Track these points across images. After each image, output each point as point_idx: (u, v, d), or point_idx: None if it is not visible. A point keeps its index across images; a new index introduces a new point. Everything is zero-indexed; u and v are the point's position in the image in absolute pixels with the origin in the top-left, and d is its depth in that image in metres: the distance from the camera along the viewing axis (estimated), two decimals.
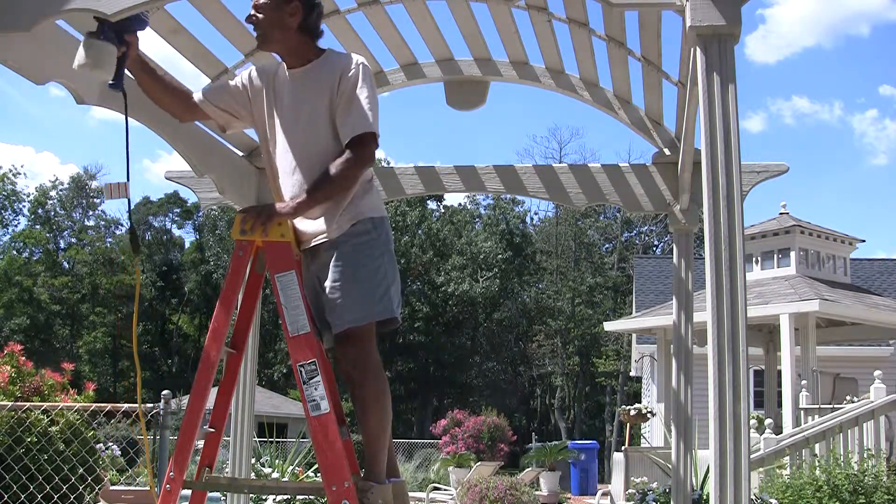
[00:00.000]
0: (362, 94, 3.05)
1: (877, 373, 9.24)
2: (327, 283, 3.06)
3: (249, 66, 3.46)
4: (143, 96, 3.31)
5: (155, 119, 3.82)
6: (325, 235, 3.09)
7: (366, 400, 3.03)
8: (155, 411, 4.79)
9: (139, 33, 3.09)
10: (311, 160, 3.10)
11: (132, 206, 3.15)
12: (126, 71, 3.11)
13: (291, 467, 7.73)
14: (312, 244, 3.13)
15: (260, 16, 3.11)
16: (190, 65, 4.25)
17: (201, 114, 3.32)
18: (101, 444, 7.13)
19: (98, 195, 46.90)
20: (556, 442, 17.81)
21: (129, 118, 3.24)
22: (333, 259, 3.07)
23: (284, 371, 37.97)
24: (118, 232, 46.92)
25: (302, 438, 9.94)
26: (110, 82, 3.03)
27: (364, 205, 3.13)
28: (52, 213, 46.68)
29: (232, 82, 3.33)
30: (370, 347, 3.08)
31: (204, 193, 4.81)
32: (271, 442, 9.71)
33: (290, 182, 3.14)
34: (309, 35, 3.17)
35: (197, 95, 3.30)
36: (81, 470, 5.67)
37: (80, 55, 2.94)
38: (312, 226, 3.10)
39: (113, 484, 6.72)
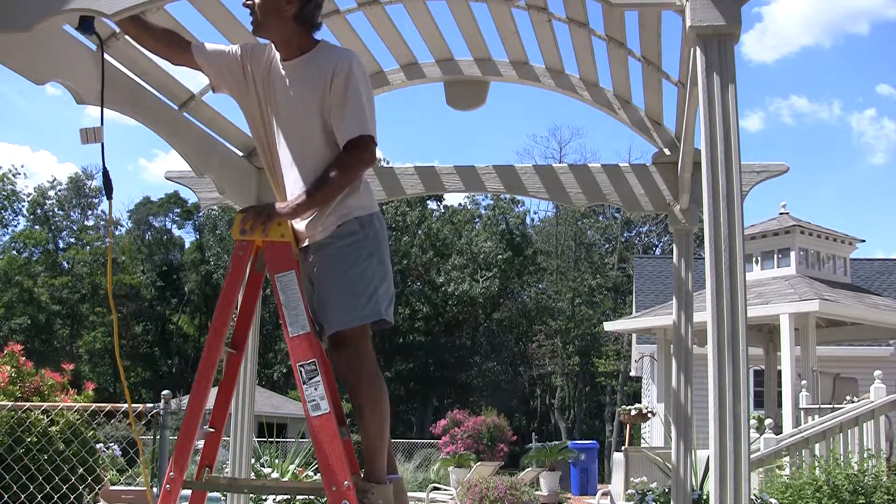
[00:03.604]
0: (356, 93, 2.98)
1: (877, 373, 9.24)
2: (316, 286, 3.06)
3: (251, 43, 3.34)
4: (140, 95, 3.32)
5: (154, 118, 3.83)
6: (312, 237, 3.07)
7: (362, 404, 3.02)
8: (155, 411, 4.79)
9: None
10: (306, 159, 3.07)
11: (105, 150, 3.15)
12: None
13: (292, 467, 7.73)
14: (303, 245, 3.12)
15: (256, 0, 3.05)
16: None
17: (192, 61, 3.20)
18: (101, 445, 7.13)
19: (97, 195, 46.96)
20: (556, 442, 17.77)
21: (130, 117, 3.25)
22: (320, 261, 3.05)
23: (284, 371, 37.94)
24: (117, 232, 46.92)
25: (302, 438, 9.94)
26: (77, 26, 3.02)
27: (350, 205, 3.06)
28: (51, 214, 46.69)
29: (230, 49, 3.22)
30: (364, 350, 3.05)
31: (204, 193, 4.82)
32: (271, 442, 9.70)
33: (288, 180, 3.12)
34: (305, 26, 3.08)
35: (193, 43, 3.22)
36: (81, 470, 5.66)
37: None
38: (300, 227, 3.07)
39: (113, 484, 6.72)
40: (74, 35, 3.31)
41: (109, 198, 3.19)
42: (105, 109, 3.16)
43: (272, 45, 3.16)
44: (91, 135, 3.13)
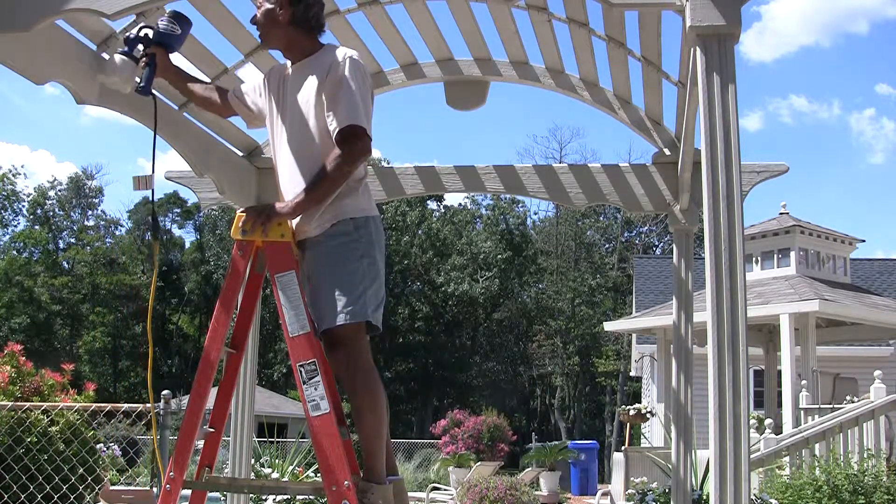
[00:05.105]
0: (349, 87, 3.03)
1: (877, 373, 9.24)
2: (310, 284, 3.07)
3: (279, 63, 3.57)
4: (136, 96, 3.35)
5: (153, 118, 3.82)
6: (306, 233, 3.09)
7: (360, 406, 3.02)
8: (155, 411, 4.78)
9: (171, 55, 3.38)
10: (305, 157, 3.10)
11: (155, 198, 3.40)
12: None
13: (291, 467, 7.73)
14: (299, 239, 3.14)
15: (258, 14, 3.21)
16: (190, 65, 4.25)
17: (233, 111, 3.50)
18: (102, 445, 7.13)
19: (97, 195, 46.96)
20: (556, 442, 17.79)
21: (130, 117, 3.27)
22: (313, 259, 3.08)
23: (284, 371, 37.94)
24: (118, 232, 46.90)
25: (302, 438, 9.93)
26: (139, 87, 3.25)
27: (346, 204, 3.09)
28: (51, 214, 46.66)
29: (257, 85, 3.44)
30: (359, 350, 3.05)
31: (204, 193, 4.82)
32: (271, 442, 9.70)
33: (289, 180, 3.14)
34: (303, 28, 3.19)
35: (229, 93, 3.49)
36: (81, 470, 5.66)
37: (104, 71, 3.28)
38: (295, 222, 3.09)
39: (113, 484, 6.72)
40: (74, 35, 3.32)
41: (156, 238, 3.34)
42: (103, 110, 3.18)
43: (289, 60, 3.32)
44: (143, 182, 3.28)
